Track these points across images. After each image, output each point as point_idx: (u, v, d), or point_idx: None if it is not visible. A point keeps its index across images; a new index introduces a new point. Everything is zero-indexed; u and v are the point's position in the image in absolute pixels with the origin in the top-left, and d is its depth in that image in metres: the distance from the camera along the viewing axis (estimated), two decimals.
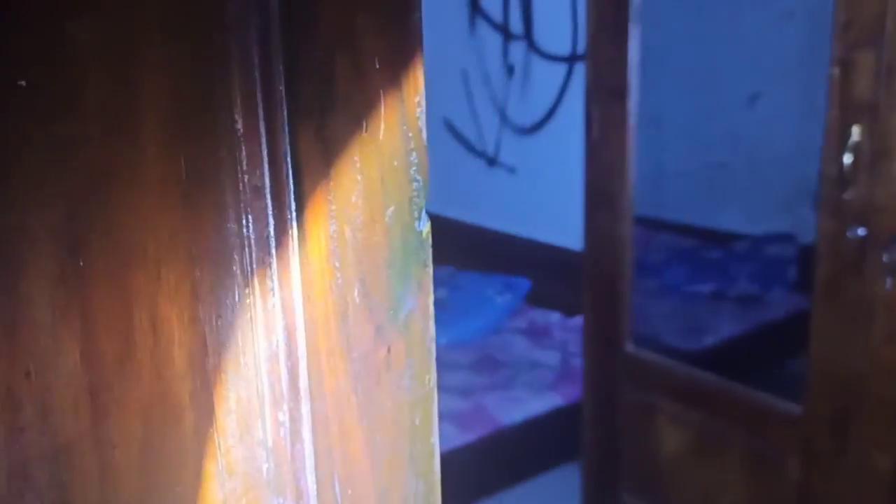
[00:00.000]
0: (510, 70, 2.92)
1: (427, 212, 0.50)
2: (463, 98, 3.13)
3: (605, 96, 1.80)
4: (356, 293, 0.46)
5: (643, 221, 2.24)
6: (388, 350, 0.48)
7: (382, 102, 0.46)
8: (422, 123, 0.51)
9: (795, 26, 2.18)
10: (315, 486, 0.46)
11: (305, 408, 0.45)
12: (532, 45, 2.82)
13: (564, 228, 2.86)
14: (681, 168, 2.47)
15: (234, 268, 0.42)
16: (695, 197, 2.79)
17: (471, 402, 2.26)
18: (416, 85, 0.51)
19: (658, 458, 1.80)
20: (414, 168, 0.50)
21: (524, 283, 2.96)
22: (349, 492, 0.48)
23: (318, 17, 0.43)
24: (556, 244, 2.90)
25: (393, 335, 0.49)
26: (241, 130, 0.41)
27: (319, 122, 0.43)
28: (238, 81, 0.41)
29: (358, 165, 0.45)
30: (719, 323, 2.88)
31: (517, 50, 2.88)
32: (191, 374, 0.42)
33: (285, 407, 0.44)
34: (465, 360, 2.63)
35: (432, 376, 0.52)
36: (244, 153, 0.41)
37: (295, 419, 0.45)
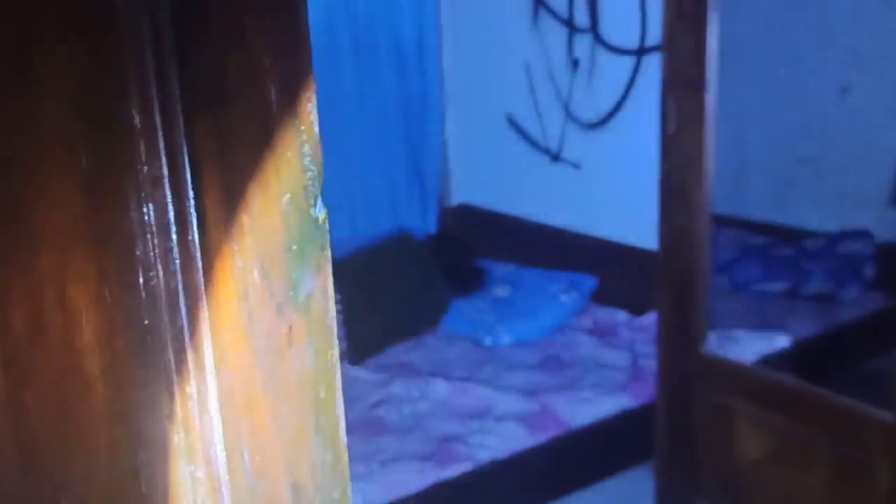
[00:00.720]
0: (575, 64, 2.87)
1: (323, 199, 0.53)
2: (526, 93, 3.09)
3: (682, 89, 1.74)
4: (256, 275, 0.49)
5: (715, 218, 2.17)
6: (290, 328, 0.52)
7: (273, 97, 0.49)
8: (313, 117, 0.52)
9: (891, 12, 2.08)
10: (224, 455, 0.50)
11: (212, 382, 0.48)
12: (598, 38, 2.76)
13: (630, 225, 2.80)
14: (762, 163, 2.39)
15: (138, 252, 0.45)
16: (776, 194, 2.69)
17: (538, 404, 2.22)
18: (305, 81, 0.53)
19: (736, 462, 1.74)
20: (308, 158, 0.53)
21: (590, 281, 2.90)
22: (257, 458, 0.51)
23: (207, 17, 0.46)
24: (622, 241, 2.84)
25: (293, 314, 0.52)
26: (139, 125, 0.45)
27: (213, 117, 0.47)
28: (134, 78, 0.44)
29: (252, 156, 0.48)
30: (792, 322, 2.78)
31: (582, 43, 2.82)
32: (100, 349, 0.46)
33: (192, 381, 0.48)
34: (530, 360, 2.59)
35: (334, 352, 0.56)
36: (142, 146, 0.45)
37: (202, 392, 0.48)
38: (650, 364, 2.41)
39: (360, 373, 2.58)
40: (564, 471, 2.18)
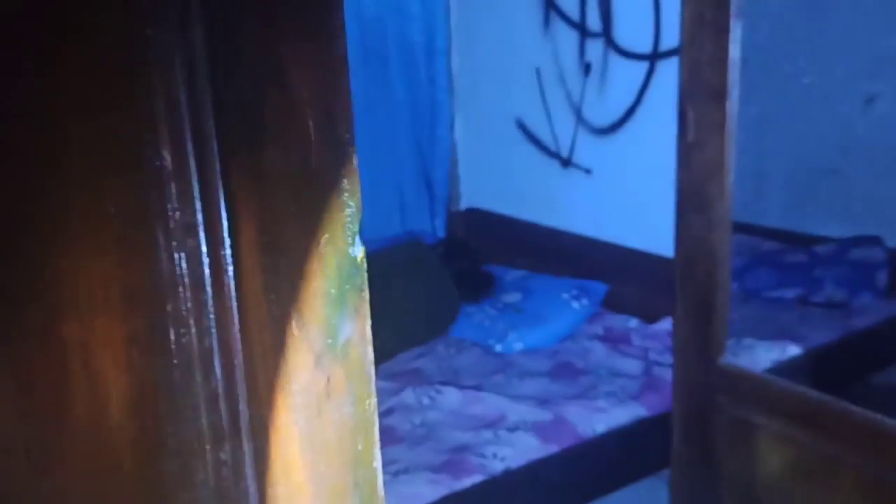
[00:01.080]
0: (587, 68, 2.84)
1: (361, 236, 0.50)
2: (536, 98, 3.07)
3: (702, 96, 1.72)
4: (293, 325, 0.46)
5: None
6: (328, 379, 0.48)
7: (313, 132, 0.46)
8: (352, 149, 0.49)
9: None
10: None
11: (248, 445, 0.45)
12: (610, 43, 2.73)
13: (641, 231, 2.77)
14: (780, 172, 2.36)
15: (169, 307, 0.41)
16: (793, 202, 2.66)
17: (551, 413, 2.19)
18: (345, 112, 0.50)
19: (758, 478, 1.71)
20: (346, 193, 0.50)
21: (601, 288, 2.88)
22: None
23: (243, 50, 0.42)
24: (633, 247, 2.82)
25: (332, 364, 0.48)
26: (170, 167, 0.40)
27: (251, 156, 0.42)
28: (165, 118, 0.40)
29: (291, 196, 0.44)
30: (805, 330, 2.75)
31: (594, 48, 2.80)
32: (129, 421, 0.41)
33: (227, 446, 0.44)
34: (542, 368, 2.56)
35: (372, 400, 0.52)
36: (174, 189, 0.40)
37: (237, 458, 0.44)
38: (664, 372, 2.38)
39: None
40: (578, 481, 2.15)
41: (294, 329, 0.45)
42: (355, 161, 0.50)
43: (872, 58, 2.15)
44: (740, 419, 1.74)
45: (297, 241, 0.45)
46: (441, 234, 3.62)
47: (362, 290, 0.51)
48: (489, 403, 2.29)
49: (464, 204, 3.62)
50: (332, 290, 0.48)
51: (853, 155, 2.35)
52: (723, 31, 1.64)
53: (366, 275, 0.50)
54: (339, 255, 0.48)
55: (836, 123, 2.30)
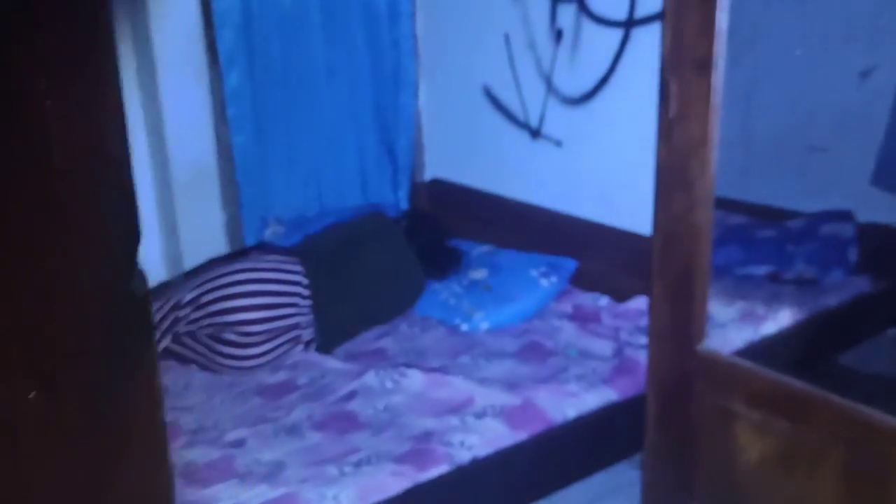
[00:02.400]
0: (558, 35, 2.72)
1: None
2: (505, 65, 2.93)
3: (686, 68, 1.61)
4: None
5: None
6: None
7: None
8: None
9: None
10: None
11: None
12: (583, 8, 2.61)
13: (612, 206, 2.68)
14: (769, 149, 2.27)
15: None
16: (785, 183, 2.57)
17: (520, 398, 2.10)
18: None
19: (736, 468, 1.64)
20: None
21: (570, 264, 2.79)
22: None
23: None
24: (604, 223, 2.72)
25: None
26: None
27: None
28: None
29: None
30: (777, 308, 2.70)
31: (566, 13, 2.67)
32: None
33: None
34: (509, 348, 2.47)
35: None
36: None
37: None
38: (636, 354, 2.31)
39: (330, 362, 2.44)
40: (548, 469, 2.07)
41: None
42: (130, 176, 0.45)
43: (871, 28, 2.06)
44: (719, 407, 1.67)
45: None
46: (404, 205, 3.48)
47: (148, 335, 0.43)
48: (455, 387, 2.19)
49: (428, 175, 3.49)
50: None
51: (846, 132, 2.27)
52: None
53: (151, 313, 0.42)
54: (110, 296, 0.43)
55: (828, 97, 2.21)
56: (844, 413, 1.44)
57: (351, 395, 2.23)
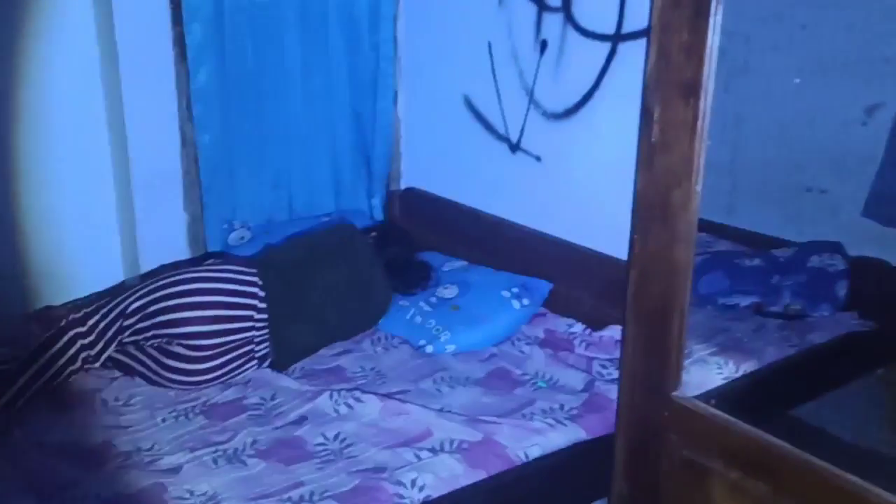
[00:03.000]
0: (542, 46, 2.58)
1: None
2: (487, 74, 2.80)
3: (671, 91, 1.48)
4: None
5: None
6: None
7: None
8: None
9: None
10: None
11: None
12: (570, 19, 2.48)
13: (592, 229, 2.55)
14: (758, 183, 2.14)
15: None
16: (773, 211, 2.42)
17: (481, 433, 1.96)
18: None
19: None
20: None
21: (544, 286, 2.65)
22: None
23: None
24: (582, 245, 2.59)
25: None
26: None
27: None
28: None
29: None
30: (760, 343, 2.58)
31: (552, 24, 2.54)
32: None
33: None
34: (475, 374, 2.33)
35: None
36: None
37: None
38: (607, 389, 2.17)
39: (284, 380, 2.29)
40: None
41: None
42: None
43: (878, 59, 1.93)
44: (693, 461, 1.53)
45: None
46: (378, 214, 3.34)
47: None
48: (413, 417, 2.05)
49: (403, 184, 3.35)
50: None
51: (842, 168, 2.13)
52: (702, 15, 1.39)
53: None
54: None
55: (824, 131, 2.08)
56: (831, 481, 1.31)
57: (301, 420, 2.09)
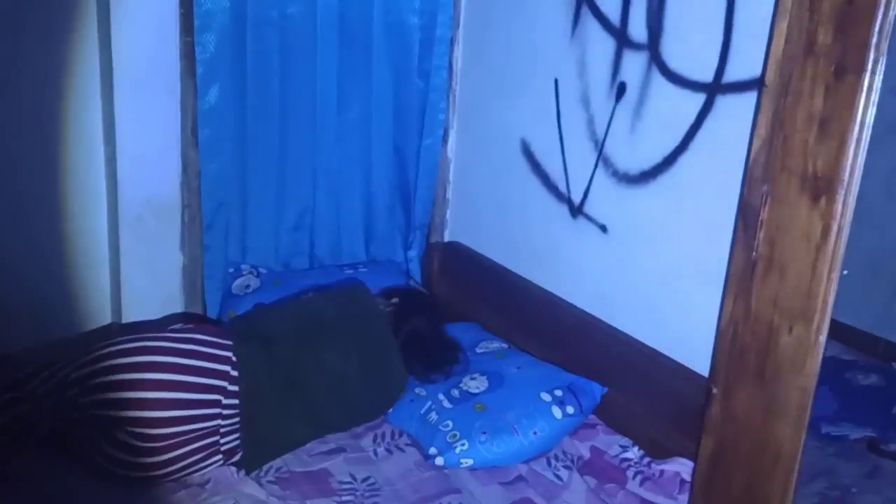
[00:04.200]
0: (620, 90, 2.06)
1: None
2: (550, 118, 2.29)
3: (790, 185, 0.94)
4: None
5: None
6: None
7: None
8: None
9: None
10: None
11: None
12: (656, 59, 1.94)
13: (664, 325, 2.00)
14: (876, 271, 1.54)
15: None
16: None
17: None
18: None
19: None
20: None
21: (596, 391, 2.11)
22: None
23: None
24: (650, 345, 2.04)
25: None
26: None
27: None
28: None
29: None
30: (870, 497, 1.97)
31: (634, 63, 2.01)
32: None
33: None
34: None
35: None
36: None
37: None
38: None
39: (250, 486, 1.81)
40: None
41: None
42: None
43: None
44: None
45: None
46: (415, 267, 2.86)
47: None
48: None
49: (447, 236, 2.86)
50: None
51: None
52: (851, 71, 0.85)
53: None
54: None
55: None
56: None
57: None
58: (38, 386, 1.84)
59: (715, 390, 1.07)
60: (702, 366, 1.87)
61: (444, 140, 2.75)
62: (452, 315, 2.53)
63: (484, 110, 2.61)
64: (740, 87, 1.71)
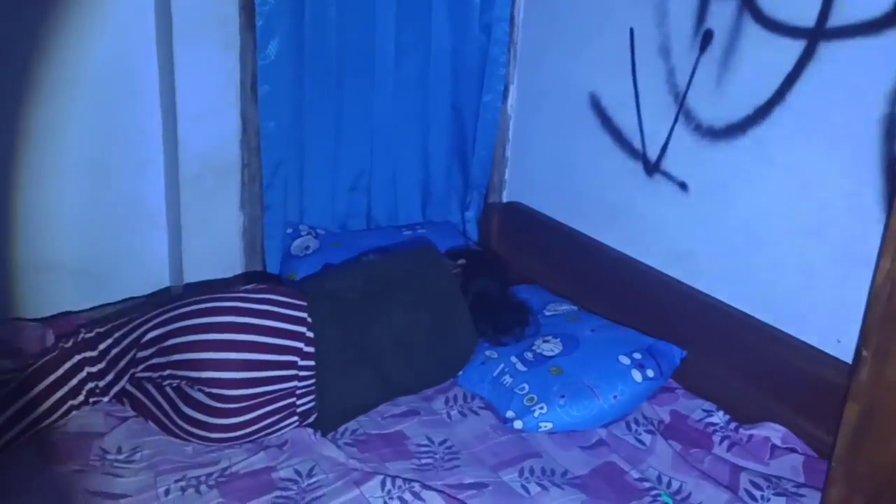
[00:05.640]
0: (706, 38, 1.96)
1: None
2: (624, 70, 2.20)
3: None
4: None
5: None
6: None
7: None
8: None
9: None
10: None
11: None
12: (749, 5, 1.84)
13: (749, 286, 1.93)
14: None
15: None
16: None
17: None
18: None
19: None
20: None
21: (675, 353, 2.04)
22: None
23: None
24: (733, 306, 1.97)
25: None
26: None
27: None
28: None
29: None
30: None
31: (723, 8, 1.91)
32: None
33: None
34: (576, 469, 1.75)
35: None
36: None
37: None
38: None
39: (328, 448, 1.78)
40: None
41: None
42: None
43: None
44: None
45: None
46: (472, 231, 2.80)
47: None
48: None
49: (506, 196, 2.79)
50: None
51: None
52: None
53: None
54: None
55: None
56: None
57: None
58: (111, 346, 1.81)
59: (865, 353, 1.01)
60: (800, 328, 1.80)
61: (504, 96, 2.67)
62: (514, 277, 2.46)
63: (547, 64, 2.52)
64: (847, 31, 1.62)
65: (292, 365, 1.79)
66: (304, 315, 1.83)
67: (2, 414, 1.68)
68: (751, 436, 1.81)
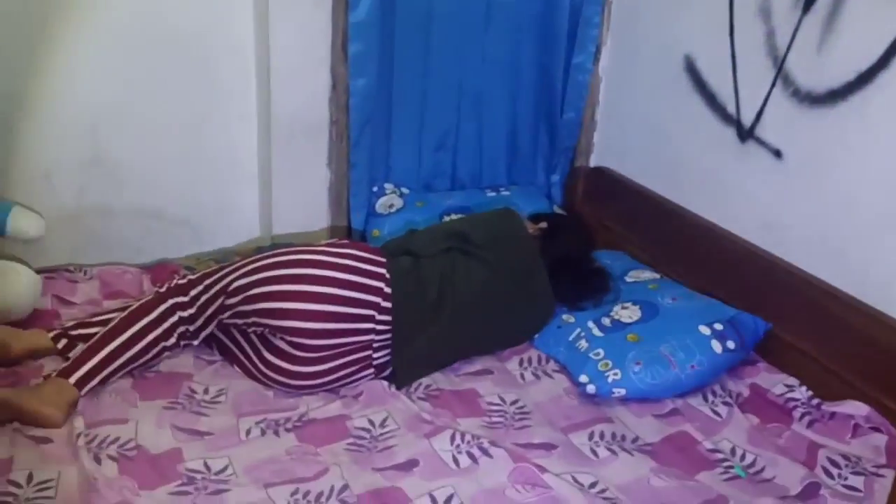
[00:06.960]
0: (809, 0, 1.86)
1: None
2: (721, 32, 2.11)
3: None
4: None
5: None
6: None
7: None
8: None
9: None
10: None
11: None
12: None
13: (843, 261, 1.85)
14: None
15: None
16: None
17: None
18: None
19: None
20: None
21: (760, 326, 1.98)
22: None
23: None
24: (824, 280, 1.90)
25: None
26: None
27: None
28: None
29: None
30: None
31: None
32: None
33: None
34: (647, 436, 1.75)
35: None
36: None
37: None
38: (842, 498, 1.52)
39: (401, 402, 1.82)
40: None
41: None
42: None
43: None
44: None
45: None
46: (557, 195, 2.77)
47: None
48: (550, 495, 1.51)
49: (593, 161, 2.74)
50: None
51: None
52: None
53: None
54: None
55: None
56: None
57: (410, 465, 1.62)
58: (202, 293, 1.89)
59: None
60: (884, 304, 1.72)
61: (596, 58, 2.61)
62: (597, 242, 2.43)
63: (642, 25, 2.45)
64: None
65: (370, 318, 1.84)
66: (383, 271, 1.87)
67: (103, 350, 1.80)
68: (833, 413, 1.76)
